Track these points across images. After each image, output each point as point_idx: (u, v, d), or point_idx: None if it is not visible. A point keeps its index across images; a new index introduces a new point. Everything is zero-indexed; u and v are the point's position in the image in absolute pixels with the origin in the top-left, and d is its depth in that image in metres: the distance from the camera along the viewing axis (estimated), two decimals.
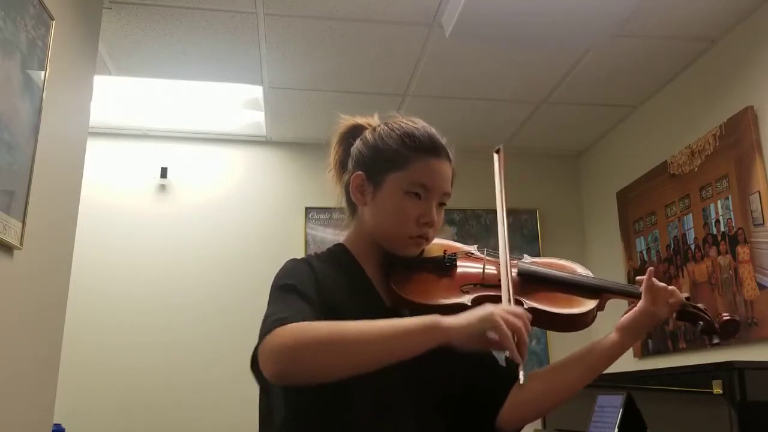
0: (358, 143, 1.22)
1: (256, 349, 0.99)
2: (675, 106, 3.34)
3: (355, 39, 2.98)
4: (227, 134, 4.02)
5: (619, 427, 2.20)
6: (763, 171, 2.66)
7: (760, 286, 2.64)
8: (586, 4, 2.61)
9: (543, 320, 1.16)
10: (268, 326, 0.98)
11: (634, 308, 1.17)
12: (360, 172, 1.19)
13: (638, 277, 1.21)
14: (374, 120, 1.26)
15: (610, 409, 2.29)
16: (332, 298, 1.10)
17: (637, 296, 1.19)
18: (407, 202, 1.15)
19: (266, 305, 1.07)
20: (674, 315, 1.21)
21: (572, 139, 4.08)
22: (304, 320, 0.97)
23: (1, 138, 1.76)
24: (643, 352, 3.46)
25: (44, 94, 2.01)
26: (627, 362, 3.56)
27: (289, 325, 0.95)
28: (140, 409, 3.54)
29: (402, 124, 1.21)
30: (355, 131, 1.25)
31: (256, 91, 3.49)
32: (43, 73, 2.01)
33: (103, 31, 2.74)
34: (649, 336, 3.40)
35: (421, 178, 1.15)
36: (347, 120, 1.27)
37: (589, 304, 1.17)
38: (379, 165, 1.18)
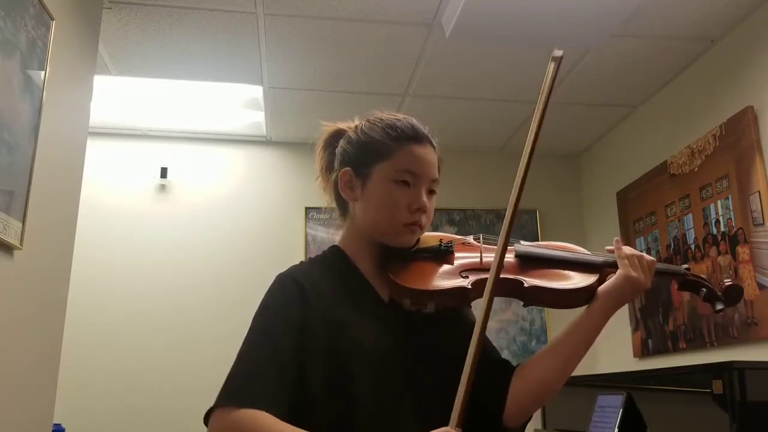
0: (341, 143, 1.25)
1: (211, 409, 1.05)
2: (675, 106, 3.34)
3: (355, 39, 2.98)
4: (227, 134, 4.02)
5: (619, 427, 2.20)
6: (763, 171, 2.66)
7: (760, 286, 2.64)
8: (586, 4, 2.61)
9: (545, 298, 1.17)
10: (224, 394, 1.04)
11: (613, 275, 1.17)
12: (347, 168, 1.21)
13: (608, 247, 1.22)
14: (354, 123, 1.28)
15: (610, 409, 2.29)
16: (327, 308, 1.12)
17: None
18: (396, 191, 1.16)
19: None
20: (676, 286, 1.22)
21: (572, 139, 4.08)
22: (259, 399, 1.02)
23: (1, 138, 1.76)
24: (643, 352, 3.46)
25: (44, 94, 2.01)
26: (627, 362, 3.56)
27: (233, 419, 1.02)
28: (140, 409, 3.54)
29: (383, 117, 1.23)
30: (338, 136, 1.27)
31: (256, 91, 3.49)
32: (43, 73, 2.01)
33: (103, 31, 2.74)
34: (649, 336, 3.41)
35: (407, 165, 1.17)
36: (329, 126, 1.29)
37: (589, 279, 1.18)
38: (365, 158, 1.19)
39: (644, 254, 1.19)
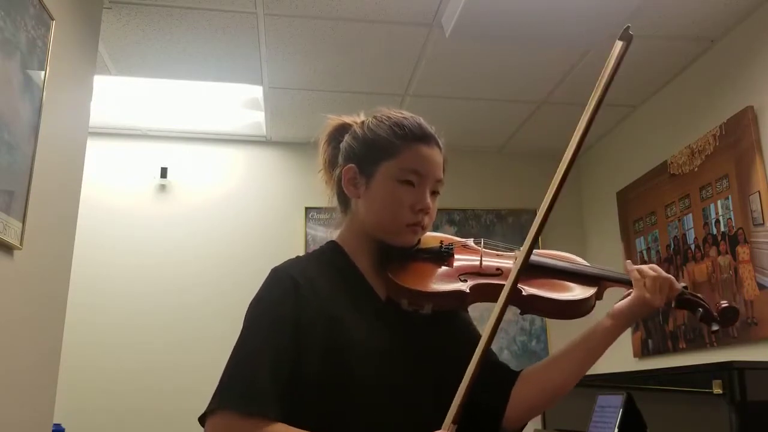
0: (347, 138, 1.23)
1: (206, 413, 1.05)
2: (675, 106, 3.34)
3: (355, 39, 2.98)
4: (227, 134, 4.02)
5: (619, 427, 2.20)
6: (763, 171, 2.66)
7: (760, 286, 2.64)
8: (586, 4, 2.61)
9: (542, 307, 1.17)
10: (223, 396, 1.04)
11: (629, 296, 1.17)
12: (351, 165, 1.20)
13: (628, 267, 1.21)
14: (360, 118, 1.26)
15: (610, 409, 2.29)
16: (324, 304, 1.12)
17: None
18: (401, 190, 1.15)
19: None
20: (673, 303, 1.22)
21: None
22: (259, 402, 1.02)
23: (1, 138, 1.76)
24: (643, 352, 3.46)
25: (44, 94, 2.01)
26: (627, 362, 3.56)
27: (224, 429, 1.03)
28: (140, 409, 3.54)
29: (390, 114, 1.22)
30: (343, 130, 1.25)
31: (256, 91, 3.49)
32: (43, 73, 2.01)
33: (103, 31, 2.74)
34: (649, 336, 3.41)
35: (413, 165, 1.16)
36: (334, 120, 1.28)
37: (588, 292, 1.18)
38: (371, 156, 1.18)
39: (672, 278, 1.16)
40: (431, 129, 1.21)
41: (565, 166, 1.03)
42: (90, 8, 2.49)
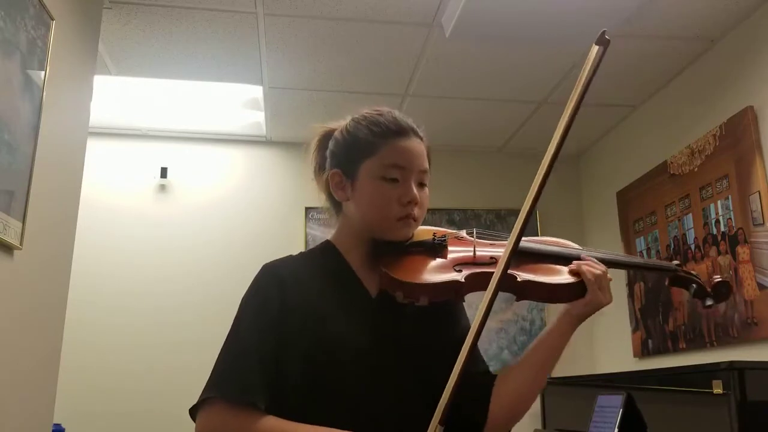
0: (330, 144, 1.25)
1: (198, 404, 1.09)
2: (675, 106, 3.34)
3: (355, 39, 2.98)
4: (227, 134, 4.02)
5: (619, 427, 2.20)
6: (763, 171, 2.66)
7: (760, 286, 2.64)
8: (586, 4, 2.61)
9: (537, 293, 1.17)
10: (215, 386, 1.07)
11: (582, 300, 1.16)
12: (336, 169, 1.22)
13: (578, 268, 1.18)
14: (344, 122, 1.28)
15: (610, 409, 2.29)
16: (310, 302, 1.14)
17: (632, 266, 1.19)
18: (385, 187, 1.16)
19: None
20: (666, 281, 1.24)
21: (572, 139, 4.08)
22: (249, 394, 1.05)
23: (1, 138, 1.76)
24: (643, 352, 3.46)
25: (44, 94, 2.01)
26: (627, 362, 3.57)
27: (217, 419, 1.06)
28: (140, 410, 3.54)
29: (366, 115, 1.23)
30: (328, 137, 1.27)
31: (256, 91, 3.49)
32: (43, 73, 2.01)
33: (103, 31, 2.74)
34: (649, 336, 3.41)
35: (393, 160, 1.16)
36: (320, 127, 1.30)
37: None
38: (352, 157, 1.20)
39: (607, 272, 1.17)
40: (408, 121, 1.22)
41: (544, 170, 1.02)
42: (90, 8, 2.49)
